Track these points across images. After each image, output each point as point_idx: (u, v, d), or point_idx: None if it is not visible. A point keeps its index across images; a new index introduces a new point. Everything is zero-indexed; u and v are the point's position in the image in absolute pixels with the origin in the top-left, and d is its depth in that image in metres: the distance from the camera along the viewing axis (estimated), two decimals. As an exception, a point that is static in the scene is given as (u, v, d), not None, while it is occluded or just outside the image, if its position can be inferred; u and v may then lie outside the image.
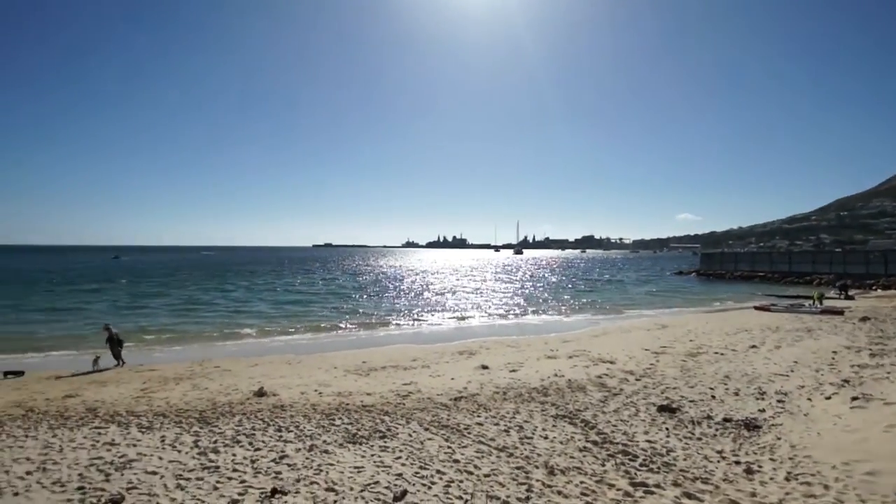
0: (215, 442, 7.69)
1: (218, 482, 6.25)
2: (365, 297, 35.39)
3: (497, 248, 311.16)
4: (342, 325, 23.01)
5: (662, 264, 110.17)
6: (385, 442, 7.62)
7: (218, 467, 6.72)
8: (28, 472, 6.63)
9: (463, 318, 25.91)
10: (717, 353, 14.30)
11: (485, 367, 13.19)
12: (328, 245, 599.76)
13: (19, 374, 13.33)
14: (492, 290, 42.34)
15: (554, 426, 8.36)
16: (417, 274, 66.42)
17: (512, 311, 29.03)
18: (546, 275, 66.91)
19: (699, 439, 7.68)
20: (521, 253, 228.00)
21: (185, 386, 11.47)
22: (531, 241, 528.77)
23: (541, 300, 35.06)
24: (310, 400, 10.22)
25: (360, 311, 28.16)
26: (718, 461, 6.83)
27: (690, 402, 9.61)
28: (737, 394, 10.07)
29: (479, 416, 8.93)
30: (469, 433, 8.01)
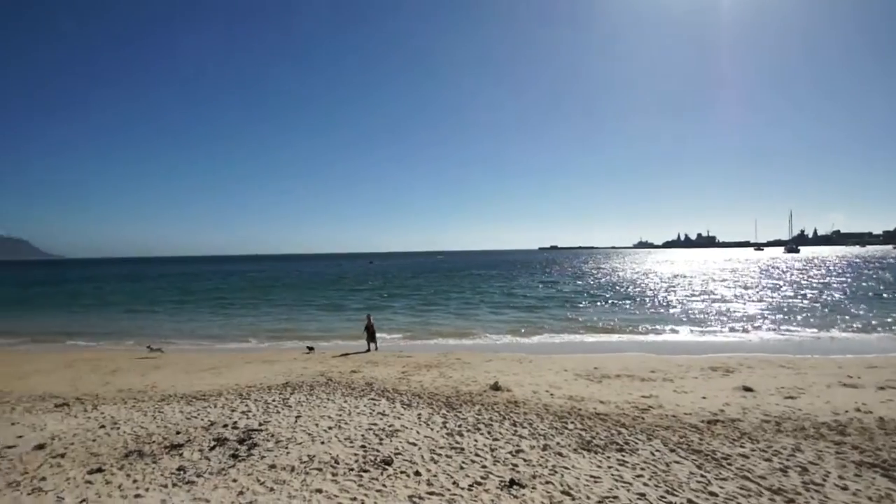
0: (460, 426, 8.49)
1: (463, 463, 6.85)
2: (592, 301, 34.11)
3: (759, 247, 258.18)
4: (570, 329, 22.69)
5: None
6: (623, 456, 7.08)
7: (462, 449, 7.38)
8: (329, 427, 8.55)
9: (713, 329, 22.34)
10: None
11: (748, 389, 11.01)
12: (554, 247, 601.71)
13: (312, 349, 17.70)
14: (751, 297, 35.23)
15: (857, 475, 6.35)
16: (651, 276, 60.53)
17: (782, 323, 23.56)
18: (838, 279, 51.90)
19: None
20: (797, 251, 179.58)
21: (434, 373, 13.08)
22: (810, 235, 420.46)
23: (826, 310, 27.43)
24: (542, 400, 10.32)
25: (587, 315, 27.27)
26: None
27: None
28: None
29: (741, 447, 7.47)
30: (729, 464, 6.76)
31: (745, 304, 31.54)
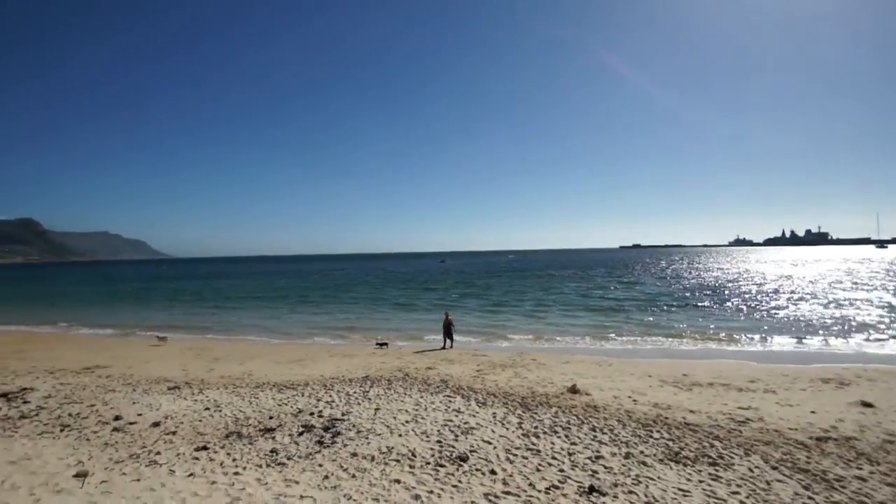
0: (535, 427, 8.32)
1: (540, 465, 6.71)
2: (679, 303, 31.81)
3: (882, 244, 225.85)
4: (653, 332, 21.36)
5: None
6: (716, 470, 6.53)
7: (539, 451, 7.22)
8: (406, 421, 8.77)
9: (824, 336, 19.91)
10: None
11: (867, 405, 9.70)
12: (636, 246, 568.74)
13: (384, 345, 18.24)
14: (872, 302, 30.87)
15: None
16: (751, 277, 55.04)
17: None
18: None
19: None
20: None
21: (509, 373, 12.94)
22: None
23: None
24: (623, 405, 9.83)
25: (673, 318, 25.50)
26: None
27: None
28: None
29: (858, 468, 6.60)
30: (843, 487, 6.00)
31: (863, 309, 27.77)
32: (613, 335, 20.91)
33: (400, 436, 8.00)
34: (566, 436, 7.91)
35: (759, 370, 13.55)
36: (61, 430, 8.42)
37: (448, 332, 17.95)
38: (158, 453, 7.35)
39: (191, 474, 6.53)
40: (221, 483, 6.21)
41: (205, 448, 7.55)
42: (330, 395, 10.56)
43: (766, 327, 22.27)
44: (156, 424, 8.74)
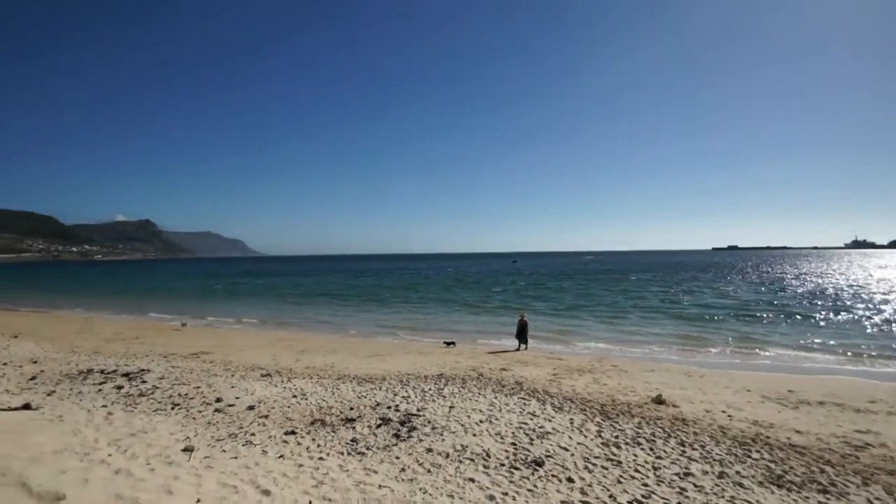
0: (616, 437, 7.93)
1: (621, 477, 6.37)
2: (780, 312, 28.69)
3: None
4: (749, 343, 19.46)
5: None
6: (826, 499, 5.82)
7: (620, 462, 6.87)
8: (480, 421, 8.75)
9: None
10: None
11: None
12: (732, 248, 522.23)
13: (452, 344, 18.33)
14: None
15: None
16: (873, 284, 48.07)
17: None
18: None
19: None
20: None
21: (587, 378, 12.45)
22: None
23: None
24: (717, 421, 9.06)
25: (773, 328, 23.05)
26: None
27: None
28: None
29: None
30: None
31: None
32: (702, 345, 19.38)
33: (474, 435, 7.99)
34: (651, 448, 7.45)
35: (882, 389, 11.87)
36: (172, 408, 9.41)
37: (522, 334, 17.68)
38: (253, 434, 7.96)
39: (281, 456, 7.00)
40: (307, 466, 6.59)
41: (293, 433, 8.06)
42: (406, 391, 10.82)
43: (892, 344, 19.45)
44: (251, 408, 9.48)
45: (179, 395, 10.40)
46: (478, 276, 73.11)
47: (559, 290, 46.49)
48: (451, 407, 9.58)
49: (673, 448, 7.49)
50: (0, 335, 19.13)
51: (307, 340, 19.78)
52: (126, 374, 12.18)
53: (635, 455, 7.18)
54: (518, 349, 17.46)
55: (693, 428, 8.54)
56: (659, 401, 10.12)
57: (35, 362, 13.65)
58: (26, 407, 8.42)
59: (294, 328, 24.79)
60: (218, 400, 9.98)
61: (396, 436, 7.99)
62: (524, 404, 9.84)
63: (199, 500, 5.13)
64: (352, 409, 9.47)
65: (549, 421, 8.78)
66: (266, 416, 8.97)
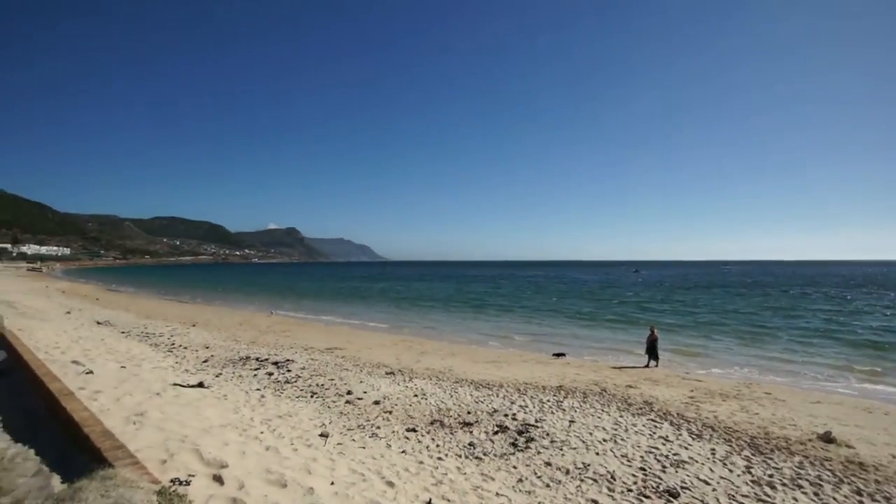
0: (771, 476, 6.84)
1: (778, 524, 5.47)
2: None
3: None
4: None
5: None
6: None
7: (776, 506, 5.90)
8: (604, 440, 8.20)
9: None
10: None
11: None
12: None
13: (562, 355, 17.41)
14: None
15: None
16: None
17: None
18: None
19: None
20: None
21: (733, 405, 10.97)
22: None
23: None
24: (910, 470, 7.33)
25: None
26: None
27: None
28: None
29: None
30: None
31: None
32: (888, 375, 15.89)
33: (597, 454, 7.52)
34: (815, 494, 6.29)
35: None
36: (311, 397, 10.42)
37: (653, 349, 16.26)
38: (378, 427, 8.45)
39: (403, 451, 7.31)
40: (427, 464, 6.78)
41: (414, 430, 8.38)
42: (523, 400, 10.61)
43: None
44: (376, 403, 10.09)
45: (317, 385, 11.49)
46: (596, 286, 69.26)
47: (692, 303, 41.66)
48: (571, 421, 9.16)
49: (846, 497, 6.24)
50: (182, 324, 23.08)
51: (426, 343, 20.54)
52: (275, 363, 13.81)
53: (794, 499, 6.12)
54: (647, 366, 16.09)
55: (874, 475, 7.02)
56: (828, 439, 8.50)
57: (207, 348, 16.18)
58: (200, 385, 9.98)
59: (409, 330, 25.92)
60: (348, 392, 10.81)
61: (514, 445, 7.85)
62: (655, 427, 9.00)
63: (332, 483, 5.56)
64: (469, 413, 9.55)
65: (686, 448, 7.90)
66: (390, 412, 9.47)
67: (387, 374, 13.23)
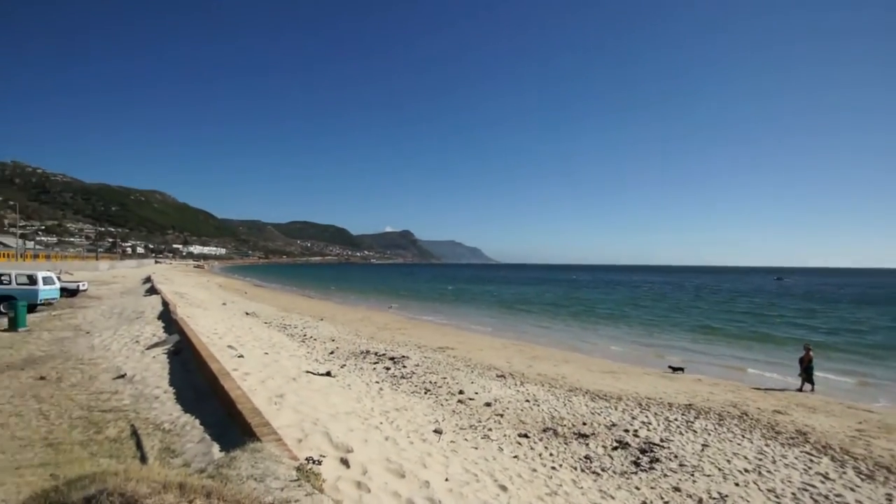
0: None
1: None
2: None
3: None
4: None
5: None
6: None
7: None
8: (745, 470, 7.23)
9: None
10: None
11: None
12: None
13: (680, 370, 15.57)
14: None
15: None
16: None
17: None
18: None
19: None
20: None
21: (918, 445, 8.96)
22: None
23: None
24: None
25: None
26: None
27: None
28: None
29: None
30: None
31: None
32: None
33: (737, 485, 6.65)
34: None
35: None
36: (425, 393, 10.77)
37: (807, 371, 14.01)
38: (490, 430, 8.43)
39: (515, 456, 7.19)
40: (541, 473, 6.58)
41: (526, 436, 8.21)
42: (646, 416, 9.81)
43: None
44: (488, 404, 10.09)
45: (430, 382, 11.85)
46: (727, 295, 61.73)
47: (855, 320, 34.99)
48: (704, 445, 8.24)
49: None
50: (312, 317, 25.47)
51: (537, 348, 20.09)
52: (392, 358, 14.57)
53: None
54: (800, 389, 13.90)
55: None
56: None
57: (333, 340, 17.63)
58: (328, 374, 10.88)
59: (512, 334, 25.51)
60: (460, 392, 10.97)
61: (636, 463, 7.29)
62: (811, 461, 7.71)
63: (447, 479, 5.65)
64: (584, 424, 9.09)
65: (852, 490, 6.65)
66: (501, 415, 9.40)
67: (497, 376, 13.18)
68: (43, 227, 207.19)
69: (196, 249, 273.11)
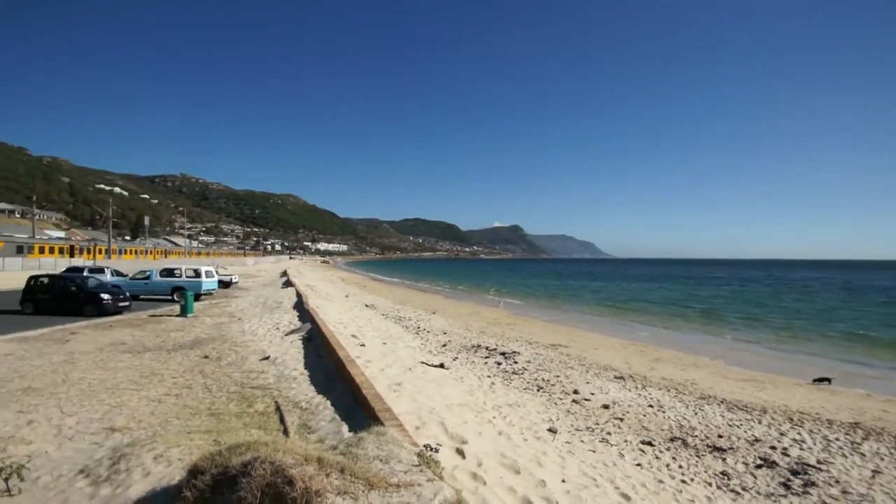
0: None
1: None
2: None
3: None
4: None
5: None
6: None
7: None
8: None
9: None
10: None
11: None
12: None
13: (827, 381, 13.07)
14: None
15: None
16: None
17: None
18: None
19: None
20: None
21: None
22: None
23: None
24: None
25: None
26: None
27: None
28: None
29: None
30: None
31: None
32: None
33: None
34: None
35: None
36: (537, 390, 10.57)
37: None
38: (609, 433, 7.99)
39: (638, 464, 6.72)
40: (668, 485, 6.06)
41: (650, 444, 7.63)
42: (798, 433, 8.52)
43: None
44: (605, 407, 9.58)
45: (542, 379, 11.60)
46: (885, 292, 51.11)
47: None
48: (875, 471, 6.92)
49: None
50: (424, 311, 26.49)
51: (660, 350, 18.58)
52: (503, 353, 14.55)
53: None
54: None
55: None
56: None
57: (445, 333, 18.13)
58: (441, 366, 11.21)
59: (626, 331, 23.75)
60: (575, 392, 10.56)
61: (785, 486, 6.37)
62: None
63: (563, 481, 5.47)
64: (720, 436, 8.17)
65: None
66: (621, 419, 8.85)
67: (615, 378, 12.45)
68: (204, 229, 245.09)
69: (322, 246, 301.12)
